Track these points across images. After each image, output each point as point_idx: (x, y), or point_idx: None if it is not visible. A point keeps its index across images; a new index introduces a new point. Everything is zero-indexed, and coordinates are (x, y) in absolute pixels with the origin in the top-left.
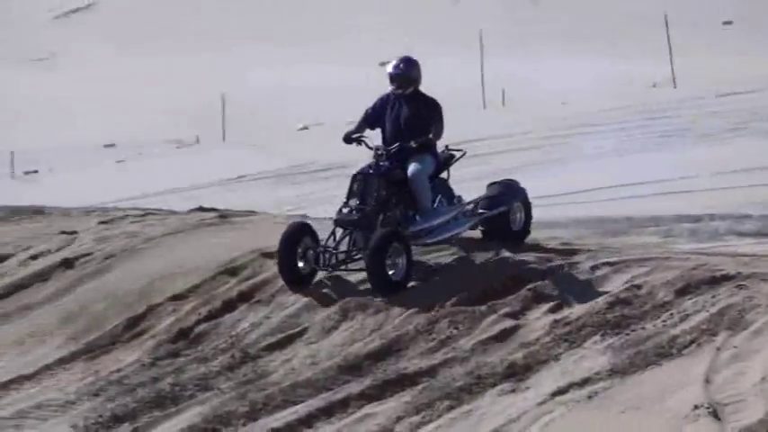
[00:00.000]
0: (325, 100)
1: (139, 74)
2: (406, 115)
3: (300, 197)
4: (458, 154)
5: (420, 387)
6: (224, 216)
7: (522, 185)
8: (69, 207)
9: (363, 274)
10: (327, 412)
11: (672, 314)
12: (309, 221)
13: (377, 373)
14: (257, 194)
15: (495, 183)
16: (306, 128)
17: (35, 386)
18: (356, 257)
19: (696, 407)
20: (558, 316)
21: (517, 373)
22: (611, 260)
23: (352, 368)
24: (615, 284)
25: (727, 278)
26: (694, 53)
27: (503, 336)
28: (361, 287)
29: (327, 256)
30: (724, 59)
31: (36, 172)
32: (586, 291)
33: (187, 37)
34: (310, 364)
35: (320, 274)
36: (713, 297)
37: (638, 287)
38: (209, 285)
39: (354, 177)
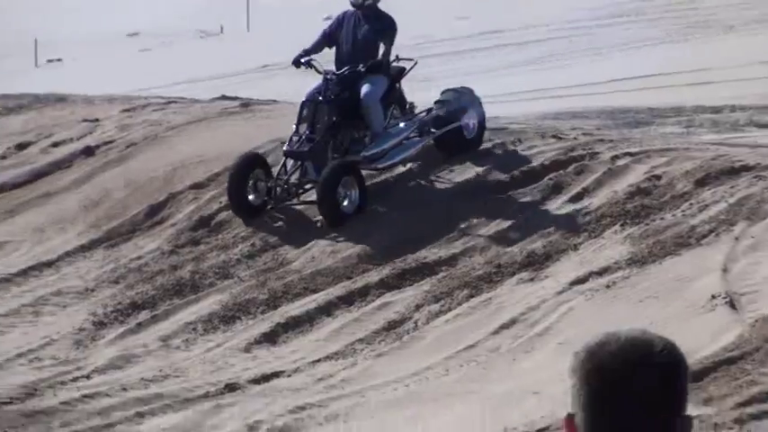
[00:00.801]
0: None
1: None
2: (363, 33)
3: None
4: (409, 65)
5: (439, 276)
6: (246, 105)
7: (475, 93)
8: (92, 95)
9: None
10: (347, 301)
11: (691, 204)
12: (261, 152)
13: (396, 263)
14: (280, 84)
15: (448, 90)
16: (329, 17)
17: (54, 273)
18: (307, 188)
19: (713, 296)
20: (577, 205)
21: (536, 263)
22: (631, 150)
23: (371, 257)
24: (635, 175)
25: (746, 168)
26: None
27: (523, 224)
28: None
29: (278, 189)
30: None
31: (60, 60)
32: (606, 181)
33: None
34: (330, 252)
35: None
36: (732, 187)
37: (658, 177)
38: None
39: (303, 104)
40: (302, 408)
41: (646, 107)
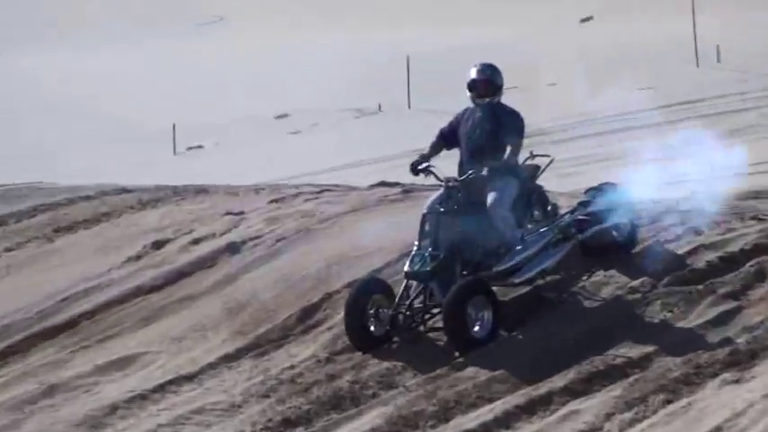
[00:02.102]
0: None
1: (312, 41)
2: (487, 130)
3: None
4: (545, 161)
5: (631, 379)
6: (408, 191)
7: (625, 189)
8: (236, 185)
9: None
10: (528, 410)
11: None
12: (381, 277)
13: (582, 365)
14: (445, 166)
15: (592, 189)
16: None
17: (196, 387)
18: (435, 313)
19: None
20: None
21: (741, 361)
22: None
23: (555, 360)
24: None
25: None
26: None
27: (723, 319)
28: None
29: (401, 316)
30: None
31: (200, 147)
32: None
33: (365, 10)
34: (508, 356)
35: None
36: None
37: None
38: (393, 269)
39: (424, 217)
40: None
41: None
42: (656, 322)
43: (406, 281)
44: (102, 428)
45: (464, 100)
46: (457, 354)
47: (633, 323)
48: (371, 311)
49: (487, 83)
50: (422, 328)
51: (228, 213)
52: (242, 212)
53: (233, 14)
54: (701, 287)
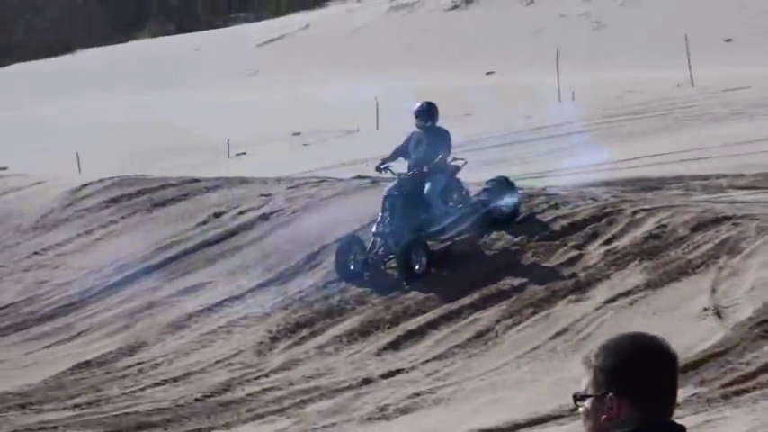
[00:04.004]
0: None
1: (320, 84)
2: (426, 145)
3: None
4: (461, 164)
5: (513, 298)
6: (375, 181)
7: (512, 181)
8: (266, 177)
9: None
10: (447, 318)
11: (688, 244)
12: (357, 235)
13: (482, 290)
14: (399, 166)
15: (491, 180)
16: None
17: (241, 303)
18: (391, 258)
19: (705, 309)
20: (609, 247)
21: (580, 288)
22: (646, 207)
23: (465, 287)
24: (649, 224)
25: (726, 218)
26: (706, 62)
27: (571, 261)
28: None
29: (370, 260)
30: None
31: (245, 154)
32: (629, 229)
33: (358, 64)
34: (436, 285)
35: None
36: (717, 232)
37: (665, 226)
38: (362, 232)
39: (385, 198)
40: (417, 394)
41: (656, 177)
42: (529, 264)
43: (373, 238)
44: (183, 329)
45: (412, 125)
46: (404, 283)
47: (515, 265)
48: (351, 257)
49: (425, 114)
50: (382, 267)
51: (261, 195)
52: (270, 195)
53: (263, 70)
54: (557, 242)
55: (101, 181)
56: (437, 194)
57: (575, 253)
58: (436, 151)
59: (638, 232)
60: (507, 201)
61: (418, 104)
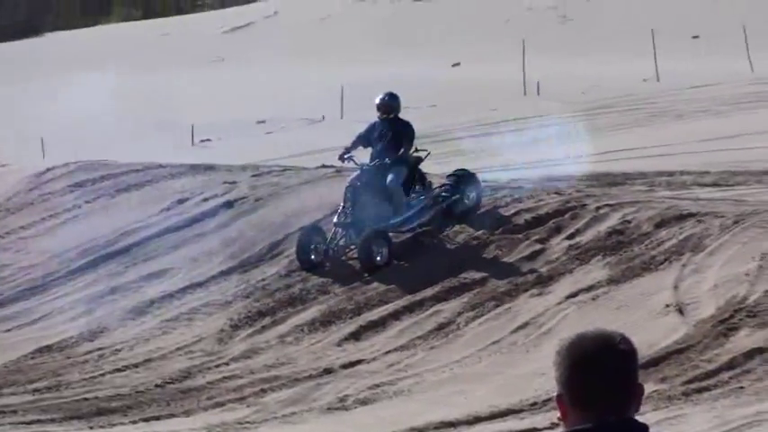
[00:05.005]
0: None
1: (286, 73)
2: (388, 137)
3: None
4: (423, 155)
5: (475, 291)
6: (339, 171)
7: (474, 173)
8: (231, 164)
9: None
10: (409, 309)
11: (651, 240)
12: (319, 225)
13: (444, 282)
14: (365, 154)
15: (452, 174)
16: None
17: (204, 291)
18: (352, 248)
19: (667, 305)
20: (572, 241)
21: (543, 282)
22: (610, 202)
23: (426, 279)
24: (613, 220)
25: (691, 215)
26: (673, 57)
27: (533, 255)
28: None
29: (331, 250)
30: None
31: (209, 140)
32: (592, 224)
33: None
34: (397, 276)
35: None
36: (680, 228)
37: (629, 222)
38: (325, 221)
39: (347, 188)
40: (378, 385)
41: (620, 172)
42: (491, 257)
43: (334, 228)
44: (145, 315)
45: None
46: (366, 274)
47: (477, 258)
48: (312, 247)
49: (388, 106)
50: (343, 258)
51: (225, 182)
52: (234, 182)
53: (229, 57)
54: (520, 236)
55: (65, 165)
56: (399, 186)
57: (538, 247)
58: (399, 143)
59: (602, 227)
60: (469, 193)
61: (380, 96)
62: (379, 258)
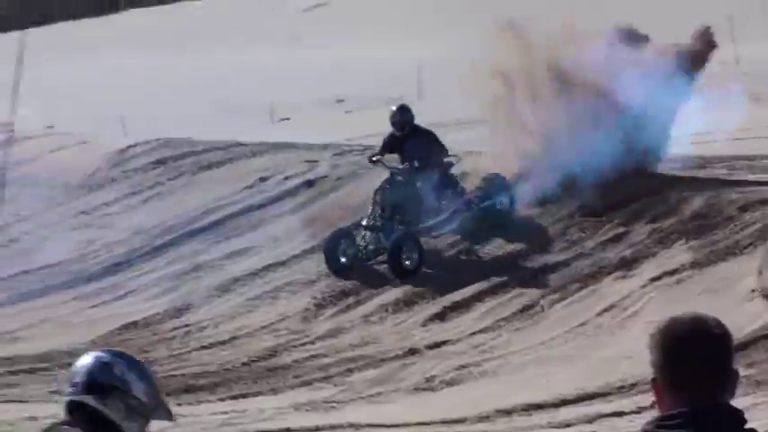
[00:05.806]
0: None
1: (362, 50)
2: (415, 145)
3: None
4: (454, 160)
5: (558, 273)
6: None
7: (505, 177)
8: (311, 144)
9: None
10: (491, 292)
11: (735, 224)
12: (348, 227)
13: (527, 265)
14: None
15: (485, 177)
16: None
17: (286, 269)
18: (382, 252)
19: (752, 291)
20: (655, 225)
21: (627, 265)
22: (693, 186)
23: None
24: (697, 203)
25: None
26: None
27: (616, 238)
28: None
29: (360, 255)
30: None
31: (289, 119)
32: (675, 207)
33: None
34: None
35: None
36: (764, 213)
37: (713, 205)
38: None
39: (376, 191)
40: (464, 366)
41: (698, 155)
42: (573, 240)
43: (363, 231)
44: (229, 293)
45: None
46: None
47: (559, 241)
48: (342, 249)
49: (402, 122)
50: (372, 262)
51: (307, 161)
52: (316, 161)
53: (306, 36)
54: (602, 218)
55: (147, 142)
56: (428, 190)
57: (621, 230)
58: (429, 148)
59: (686, 211)
60: (501, 198)
61: (392, 112)
62: (408, 263)
